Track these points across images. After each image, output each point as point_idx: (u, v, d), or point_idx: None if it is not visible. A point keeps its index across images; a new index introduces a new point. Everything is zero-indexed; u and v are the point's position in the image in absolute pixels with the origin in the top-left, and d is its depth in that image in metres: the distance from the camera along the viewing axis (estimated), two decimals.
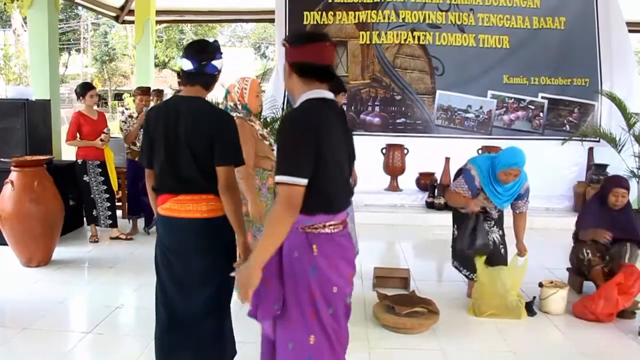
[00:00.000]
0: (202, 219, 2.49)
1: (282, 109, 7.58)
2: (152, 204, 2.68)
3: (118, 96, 30.33)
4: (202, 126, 2.47)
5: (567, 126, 7.80)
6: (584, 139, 7.65)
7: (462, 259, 4.27)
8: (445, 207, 6.96)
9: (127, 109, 6.41)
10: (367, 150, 6.39)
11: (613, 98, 7.27)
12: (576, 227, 4.48)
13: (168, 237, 2.55)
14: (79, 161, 5.61)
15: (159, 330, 2.61)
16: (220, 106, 3.84)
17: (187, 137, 2.45)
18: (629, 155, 7.04)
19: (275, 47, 8.40)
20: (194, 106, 2.51)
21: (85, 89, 5.63)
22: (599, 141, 7.64)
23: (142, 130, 3.45)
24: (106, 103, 32.62)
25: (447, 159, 6.85)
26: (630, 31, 7.95)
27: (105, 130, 5.62)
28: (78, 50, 31.90)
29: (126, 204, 6.47)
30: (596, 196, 4.53)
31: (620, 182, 4.36)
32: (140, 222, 6.17)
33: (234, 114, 3.84)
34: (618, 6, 7.61)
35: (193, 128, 2.46)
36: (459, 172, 4.32)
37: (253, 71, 29.85)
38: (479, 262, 4.01)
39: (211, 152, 2.45)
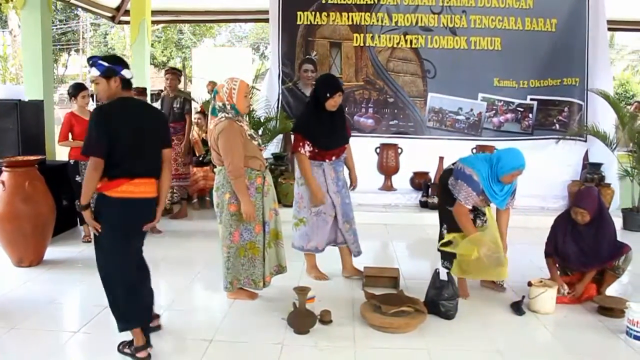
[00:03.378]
0: (154, 197, 3.23)
1: (277, 109, 7.59)
2: (89, 187, 3.08)
3: None
4: (155, 120, 3.29)
5: (557, 125, 7.82)
6: (572, 137, 7.69)
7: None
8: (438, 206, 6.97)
9: None
10: (361, 150, 6.39)
11: (607, 97, 7.29)
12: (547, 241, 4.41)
13: (124, 214, 3.12)
14: (71, 162, 5.62)
15: (128, 281, 3.21)
16: (215, 107, 3.90)
17: (150, 130, 3.18)
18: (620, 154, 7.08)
19: (270, 47, 8.38)
20: (144, 105, 3.36)
21: (77, 89, 5.64)
22: (585, 140, 7.66)
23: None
24: None
25: (441, 159, 6.86)
26: (624, 30, 8.00)
27: None
28: (77, 51, 31.89)
29: None
30: (566, 210, 4.41)
31: (579, 201, 4.14)
32: None
33: (222, 114, 3.86)
34: (604, 6, 7.63)
35: (152, 122, 3.24)
36: (449, 172, 4.26)
37: (252, 71, 29.93)
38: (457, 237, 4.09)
39: (161, 140, 3.26)
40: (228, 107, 3.84)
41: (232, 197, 3.90)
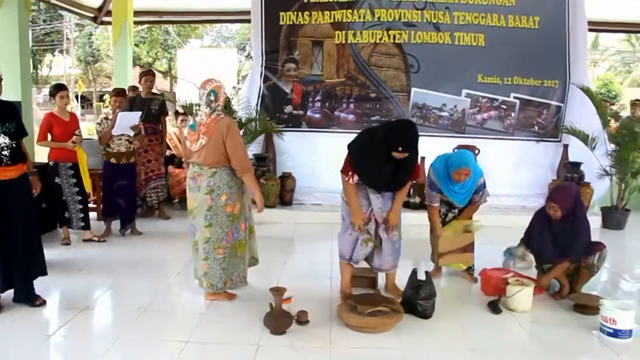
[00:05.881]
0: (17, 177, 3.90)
1: (256, 110, 7.57)
2: None
3: (103, 97, 30.19)
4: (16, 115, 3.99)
5: (536, 127, 7.86)
6: (550, 139, 7.76)
7: None
8: (420, 206, 7.00)
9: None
10: (343, 148, 6.40)
11: (592, 96, 7.36)
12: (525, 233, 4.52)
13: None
14: (51, 163, 5.59)
15: None
16: (217, 108, 4.00)
17: (17, 125, 3.92)
18: (601, 154, 7.14)
19: (252, 48, 8.36)
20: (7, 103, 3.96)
21: (56, 89, 5.59)
22: (559, 140, 7.73)
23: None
24: (91, 104, 32.46)
25: (423, 159, 6.85)
26: (607, 31, 8.09)
27: (76, 131, 5.59)
28: (62, 51, 31.65)
29: (101, 205, 6.44)
30: (544, 206, 4.47)
31: (552, 195, 4.24)
32: (116, 224, 6.13)
33: (222, 114, 4.02)
34: (583, 6, 7.69)
35: (15, 119, 3.95)
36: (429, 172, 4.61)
37: (237, 72, 29.90)
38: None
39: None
40: (222, 106, 4.02)
41: (229, 199, 3.98)
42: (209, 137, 3.91)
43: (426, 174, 4.61)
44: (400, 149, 3.74)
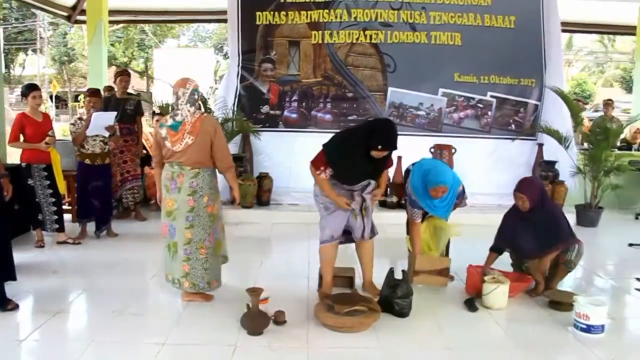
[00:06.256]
0: None
1: (233, 110, 7.54)
2: None
3: (78, 98, 29.81)
4: None
5: (513, 125, 7.95)
6: (526, 137, 7.85)
7: None
8: (397, 206, 7.04)
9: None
10: (320, 148, 6.39)
11: (564, 97, 7.47)
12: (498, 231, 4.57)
13: None
14: (23, 164, 5.50)
15: None
16: (199, 107, 4.05)
17: None
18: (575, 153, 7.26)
19: (229, 47, 8.31)
20: None
21: (28, 89, 5.50)
22: (535, 139, 7.83)
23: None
24: (66, 105, 32.00)
25: (399, 158, 6.89)
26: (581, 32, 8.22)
27: (49, 132, 5.51)
28: (35, 51, 31.16)
29: (75, 207, 6.35)
30: (514, 204, 4.50)
31: (519, 186, 4.30)
32: (91, 225, 6.05)
33: (205, 113, 4.10)
34: (557, 6, 7.80)
35: None
36: (407, 173, 4.70)
37: (214, 72, 29.74)
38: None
39: None
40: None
41: (210, 199, 4.00)
42: (195, 136, 3.87)
43: (406, 190, 4.59)
44: (380, 147, 3.76)
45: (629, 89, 26.76)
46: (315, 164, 4.00)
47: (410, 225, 4.62)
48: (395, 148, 3.89)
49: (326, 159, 3.95)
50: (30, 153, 5.46)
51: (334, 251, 4.20)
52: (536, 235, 4.24)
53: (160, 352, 3.32)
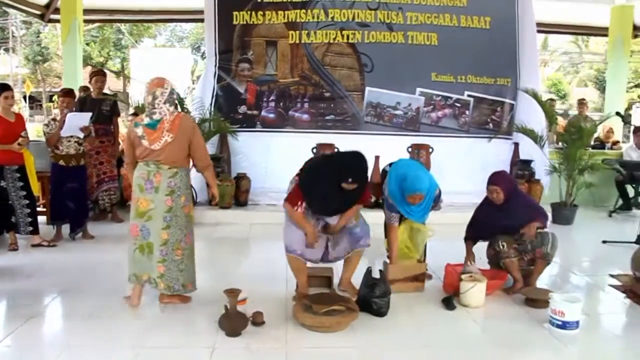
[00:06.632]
0: None
1: (210, 111, 7.50)
2: None
3: (53, 98, 29.34)
4: None
5: (491, 124, 8.03)
6: (503, 137, 7.94)
7: None
8: (375, 205, 7.04)
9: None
10: (297, 148, 6.38)
11: (535, 96, 7.57)
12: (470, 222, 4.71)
13: None
14: None
15: None
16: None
17: None
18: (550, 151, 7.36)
19: (206, 47, 8.26)
20: None
21: (0, 89, 5.41)
22: (511, 138, 7.93)
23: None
24: (40, 105, 31.50)
25: (377, 157, 6.92)
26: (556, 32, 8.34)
27: (22, 133, 5.41)
28: (7, 50, 30.61)
29: (50, 209, 6.25)
30: (485, 197, 4.61)
31: (492, 179, 4.41)
32: (65, 227, 5.96)
33: (182, 112, 4.14)
34: (532, 7, 7.91)
35: None
36: (384, 173, 4.67)
37: (191, 72, 29.53)
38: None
39: None
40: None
41: (187, 200, 3.99)
42: (174, 134, 3.84)
43: (383, 192, 4.58)
44: (350, 180, 3.82)
45: (602, 89, 27.21)
46: (291, 200, 4.02)
47: (387, 229, 4.62)
48: (366, 181, 3.97)
49: (302, 189, 3.98)
50: (3, 154, 5.35)
51: (304, 269, 4.20)
52: (517, 217, 4.32)
53: (138, 356, 3.28)
